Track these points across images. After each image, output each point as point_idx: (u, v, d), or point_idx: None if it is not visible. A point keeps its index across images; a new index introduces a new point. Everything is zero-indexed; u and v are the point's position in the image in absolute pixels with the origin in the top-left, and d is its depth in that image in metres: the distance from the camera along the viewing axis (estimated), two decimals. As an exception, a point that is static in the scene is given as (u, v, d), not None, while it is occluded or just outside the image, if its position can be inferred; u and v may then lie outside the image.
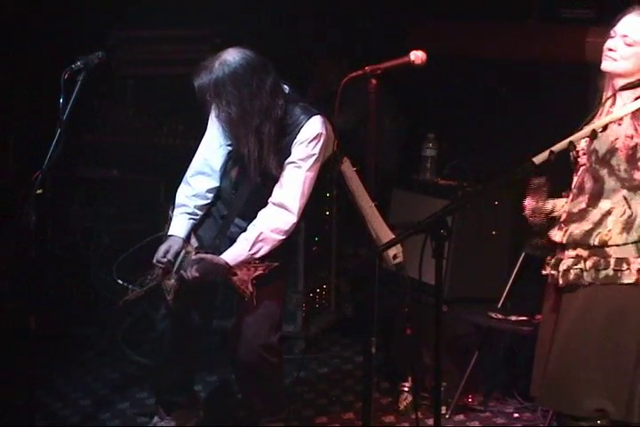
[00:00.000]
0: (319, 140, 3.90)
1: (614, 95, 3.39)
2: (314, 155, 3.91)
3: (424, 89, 5.83)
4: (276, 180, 3.93)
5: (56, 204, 5.36)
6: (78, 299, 5.55)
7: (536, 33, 5.41)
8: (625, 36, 3.31)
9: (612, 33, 3.36)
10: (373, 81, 3.42)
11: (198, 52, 5.35)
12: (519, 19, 5.52)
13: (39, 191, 3.60)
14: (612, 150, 3.29)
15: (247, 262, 3.91)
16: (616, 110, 3.36)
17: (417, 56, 3.48)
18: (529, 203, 3.52)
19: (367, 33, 6.03)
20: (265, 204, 3.95)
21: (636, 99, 3.24)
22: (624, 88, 3.30)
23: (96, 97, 5.59)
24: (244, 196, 4.02)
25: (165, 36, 5.78)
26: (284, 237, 3.93)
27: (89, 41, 5.17)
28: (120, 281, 4.14)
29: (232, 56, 3.83)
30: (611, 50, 3.33)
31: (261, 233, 3.90)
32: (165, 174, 5.18)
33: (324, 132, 3.91)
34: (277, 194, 3.93)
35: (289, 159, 3.91)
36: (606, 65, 3.36)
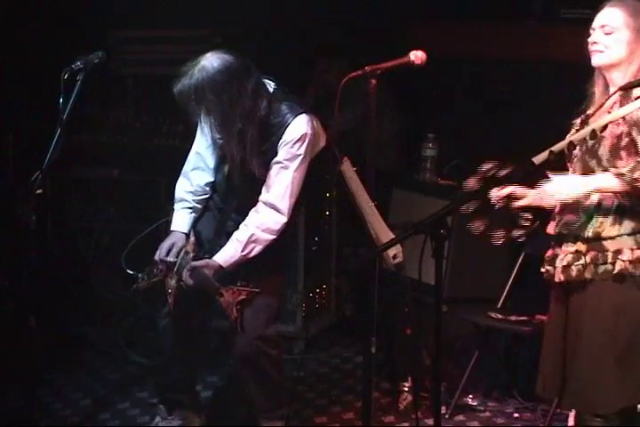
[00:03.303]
0: (304, 141, 3.90)
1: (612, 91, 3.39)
2: (299, 155, 3.91)
3: (424, 89, 5.83)
4: (264, 178, 3.94)
5: (56, 204, 5.36)
6: (78, 299, 5.55)
7: (536, 33, 5.41)
8: (603, 26, 3.34)
9: (591, 31, 3.38)
10: (373, 81, 3.42)
11: (198, 52, 5.35)
12: (519, 19, 5.52)
13: (39, 191, 3.60)
14: (600, 139, 3.26)
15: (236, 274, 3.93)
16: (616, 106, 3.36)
17: (417, 56, 3.49)
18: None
19: (367, 33, 6.02)
20: (252, 197, 3.96)
21: (637, 98, 3.23)
22: (625, 88, 3.28)
23: (96, 97, 5.59)
24: (238, 192, 4.04)
25: (165, 36, 5.78)
26: (275, 237, 3.95)
27: (89, 41, 5.17)
28: (129, 271, 4.15)
29: (210, 62, 3.82)
30: (594, 43, 3.35)
31: (253, 234, 3.92)
32: (165, 174, 5.18)
33: (310, 131, 3.91)
34: (266, 194, 3.94)
35: (275, 159, 3.91)
36: (596, 59, 3.36)
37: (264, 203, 3.95)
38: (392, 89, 5.46)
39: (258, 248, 3.93)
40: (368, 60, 3.50)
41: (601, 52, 3.34)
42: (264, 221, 3.94)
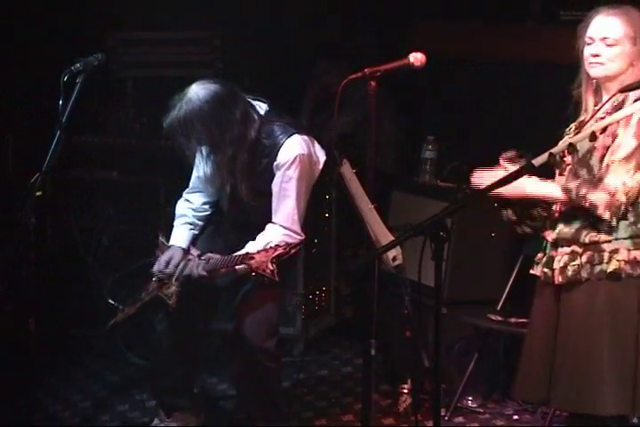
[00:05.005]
0: (299, 162, 3.89)
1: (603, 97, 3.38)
2: (295, 178, 3.91)
3: (423, 90, 5.83)
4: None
5: (55, 205, 5.36)
6: (78, 300, 5.55)
7: (535, 35, 5.41)
8: (605, 38, 3.30)
9: (587, 40, 3.35)
10: (373, 83, 3.42)
11: (198, 54, 5.37)
12: (518, 20, 5.52)
13: (39, 193, 3.60)
14: (591, 149, 3.27)
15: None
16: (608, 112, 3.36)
17: (416, 58, 3.49)
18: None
19: (367, 34, 6.02)
20: (254, 217, 3.98)
21: (636, 100, 3.23)
22: (624, 90, 3.28)
23: (95, 99, 5.59)
24: (234, 211, 4.06)
25: (165, 38, 5.78)
26: (293, 251, 3.91)
27: (88, 43, 5.17)
28: (111, 301, 4.16)
29: (196, 93, 3.82)
30: (595, 55, 3.32)
31: (271, 241, 3.90)
32: (165, 176, 5.19)
33: (303, 151, 3.91)
34: (277, 218, 3.96)
35: (274, 182, 3.92)
36: (596, 72, 3.33)
37: (278, 225, 3.96)
38: (391, 91, 5.46)
39: (279, 251, 3.85)
40: (368, 61, 3.50)
41: (602, 64, 3.31)
42: (283, 238, 3.92)
